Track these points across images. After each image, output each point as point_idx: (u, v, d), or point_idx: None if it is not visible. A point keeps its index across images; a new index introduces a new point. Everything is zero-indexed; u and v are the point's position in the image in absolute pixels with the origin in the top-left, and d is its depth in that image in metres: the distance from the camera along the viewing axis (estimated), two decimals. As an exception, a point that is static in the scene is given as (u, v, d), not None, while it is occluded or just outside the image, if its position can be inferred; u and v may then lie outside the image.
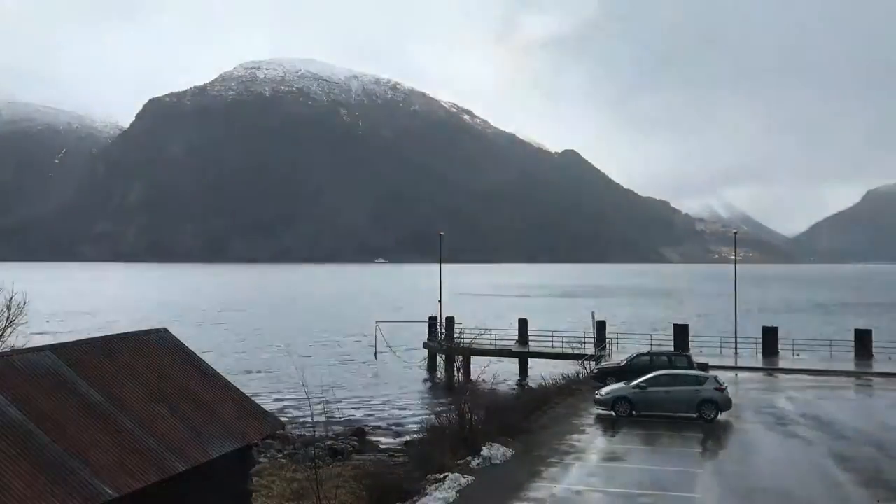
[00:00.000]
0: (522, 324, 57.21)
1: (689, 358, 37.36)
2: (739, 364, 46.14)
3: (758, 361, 47.84)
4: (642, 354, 38.54)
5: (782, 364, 46.80)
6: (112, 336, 15.56)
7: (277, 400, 47.91)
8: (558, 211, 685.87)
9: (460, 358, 48.80)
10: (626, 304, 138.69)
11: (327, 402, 48.85)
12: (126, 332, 16.34)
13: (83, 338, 15.18)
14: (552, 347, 52.64)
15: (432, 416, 31.79)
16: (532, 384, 47.21)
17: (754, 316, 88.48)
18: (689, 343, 49.60)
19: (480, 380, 25.30)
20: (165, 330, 16.88)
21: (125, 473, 11.80)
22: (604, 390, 31.50)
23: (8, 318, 28.94)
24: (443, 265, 64.65)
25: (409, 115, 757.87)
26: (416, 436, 31.99)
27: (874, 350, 48.66)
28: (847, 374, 43.19)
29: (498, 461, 22.70)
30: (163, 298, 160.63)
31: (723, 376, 32.73)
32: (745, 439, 26.38)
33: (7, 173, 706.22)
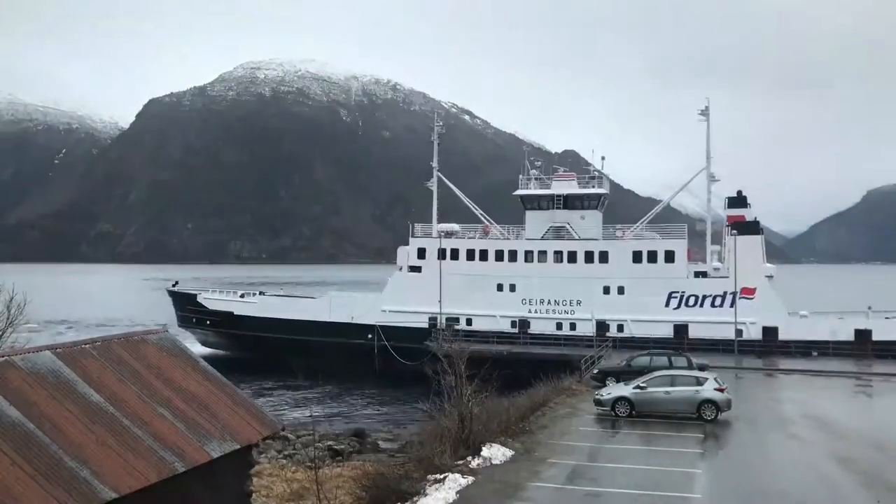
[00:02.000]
0: (523, 324, 57.24)
1: (688, 358, 37.38)
2: (739, 364, 46.18)
3: (758, 361, 47.87)
4: (642, 355, 38.56)
5: (782, 364, 46.84)
6: (112, 336, 15.56)
7: (277, 400, 47.94)
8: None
9: (460, 358, 48.72)
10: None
11: (327, 402, 48.95)
12: (126, 332, 16.34)
13: (83, 338, 15.17)
14: (552, 348, 52.64)
15: (432, 417, 31.78)
16: (532, 385, 47.18)
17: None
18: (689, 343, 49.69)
19: (480, 380, 25.23)
20: (165, 330, 16.88)
21: (125, 474, 11.80)
22: (604, 391, 31.52)
23: (8, 318, 28.88)
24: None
25: (409, 115, 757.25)
26: (416, 436, 31.98)
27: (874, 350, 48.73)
28: (847, 374, 43.22)
29: (498, 461, 22.69)
30: (162, 299, 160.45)
31: (723, 376, 32.75)
32: (744, 440, 26.38)
33: (7, 173, 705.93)
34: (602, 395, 30.75)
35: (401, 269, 62.22)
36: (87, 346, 14.44)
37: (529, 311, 57.80)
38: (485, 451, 22.95)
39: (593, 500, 19.09)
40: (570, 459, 23.17)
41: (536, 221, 60.10)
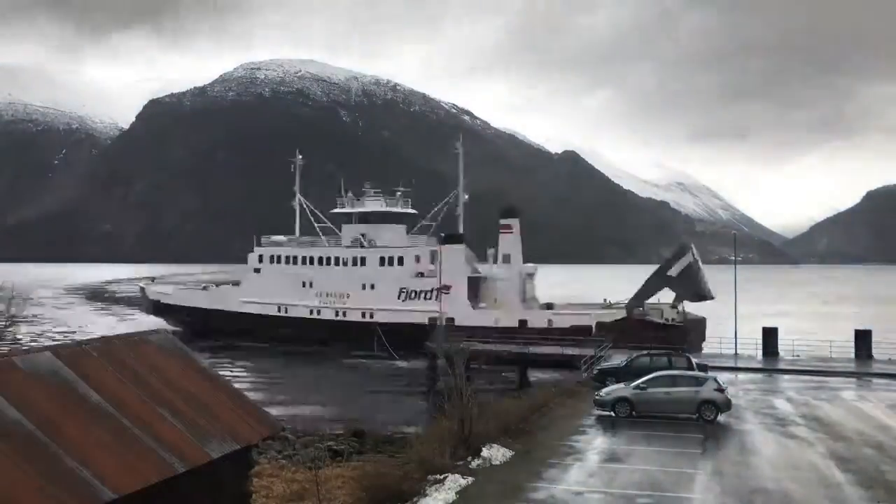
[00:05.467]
0: (523, 324, 57.25)
1: (688, 359, 37.35)
2: (739, 364, 46.16)
3: (757, 362, 47.87)
4: (642, 355, 38.52)
5: (782, 364, 46.84)
6: (112, 336, 15.55)
7: (277, 401, 47.91)
8: (558, 212, 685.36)
9: (460, 359, 48.72)
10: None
11: (327, 402, 48.96)
12: (126, 332, 16.34)
13: (83, 338, 15.16)
14: (552, 348, 52.60)
15: (432, 417, 31.82)
16: (532, 385, 47.20)
17: (754, 316, 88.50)
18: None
19: (480, 381, 25.25)
20: (166, 331, 16.88)
21: (125, 474, 11.79)
22: (604, 391, 31.51)
23: (8, 318, 28.90)
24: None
25: (409, 115, 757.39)
26: (416, 436, 31.98)
27: (874, 350, 48.72)
28: (847, 374, 43.20)
29: (498, 462, 22.70)
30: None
31: (722, 377, 32.75)
32: (744, 440, 26.39)
33: (7, 173, 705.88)
34: (602, 396, 30.75)
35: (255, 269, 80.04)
36: (87, 346, 14.43)
37: (319, 302, 72.61)
38: (485, 452, 22.96)
39: (593, 500, 19.10)
40: (569, 460, 23.19)
41: (347, 233, 75.93)
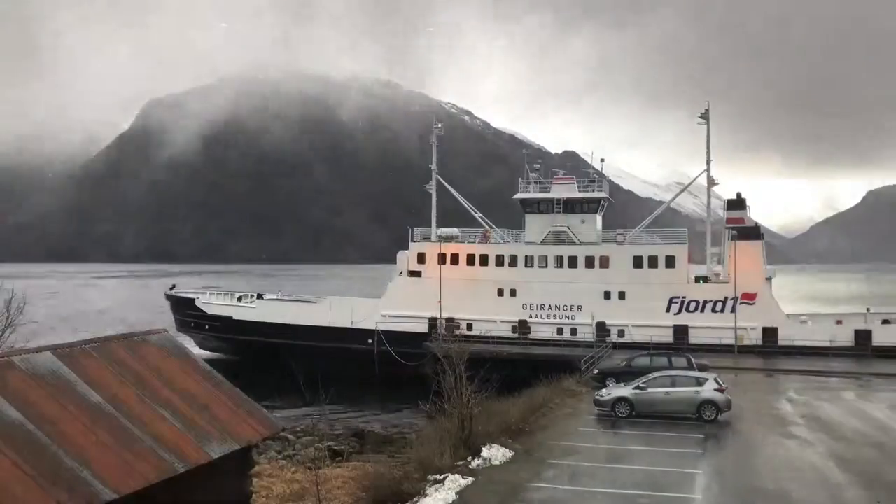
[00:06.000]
0: (523, 324, 57.23)
1: (688, 358, 37.36)
2: (739, 364, 46.14)
3: (758, 362, 47.86)
4: (642, 355, 38.53)
5: (782, 364, 46.84)
6: (112, 337, 15.55)
7: (277, 401, 47.93)
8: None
9: (460, 359, 48.60)
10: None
11: (327, 404, 48.82)
12: (126, 332, 16.33)
13: (83, 338, 15.16)
14: (552, 348, 52.61)
15: (432, 418, 31.82)
16: (532, 385, 47.14)
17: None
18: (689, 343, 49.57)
19: (480, 381, 25.21)
20: (165, 331, 16.88)
21: (125, 474, 11.80)
22: (604, 391, 31.52)
23: (8, 318, 28.83)
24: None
25: (409, 115, 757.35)
26: (416, 436, 31.97)
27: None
28: (847, 374, 43.23)
29: (498, 462, 22.69)
30: (162, 299, 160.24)
31: (722, 377, 32.73)
32: (744, 440, 26.38)
33: (6, 174, 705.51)
34: (602, 396, 30.75)
35: (401, 273, 61.69)
36: (87, 346, 14.44)
37: (530, 316, 57.45)
38: (485, 452, 22.95)
39: (593, 500, 19.09)
40: (570, 460, 23.17)
41: (536, 225, 59.73)
